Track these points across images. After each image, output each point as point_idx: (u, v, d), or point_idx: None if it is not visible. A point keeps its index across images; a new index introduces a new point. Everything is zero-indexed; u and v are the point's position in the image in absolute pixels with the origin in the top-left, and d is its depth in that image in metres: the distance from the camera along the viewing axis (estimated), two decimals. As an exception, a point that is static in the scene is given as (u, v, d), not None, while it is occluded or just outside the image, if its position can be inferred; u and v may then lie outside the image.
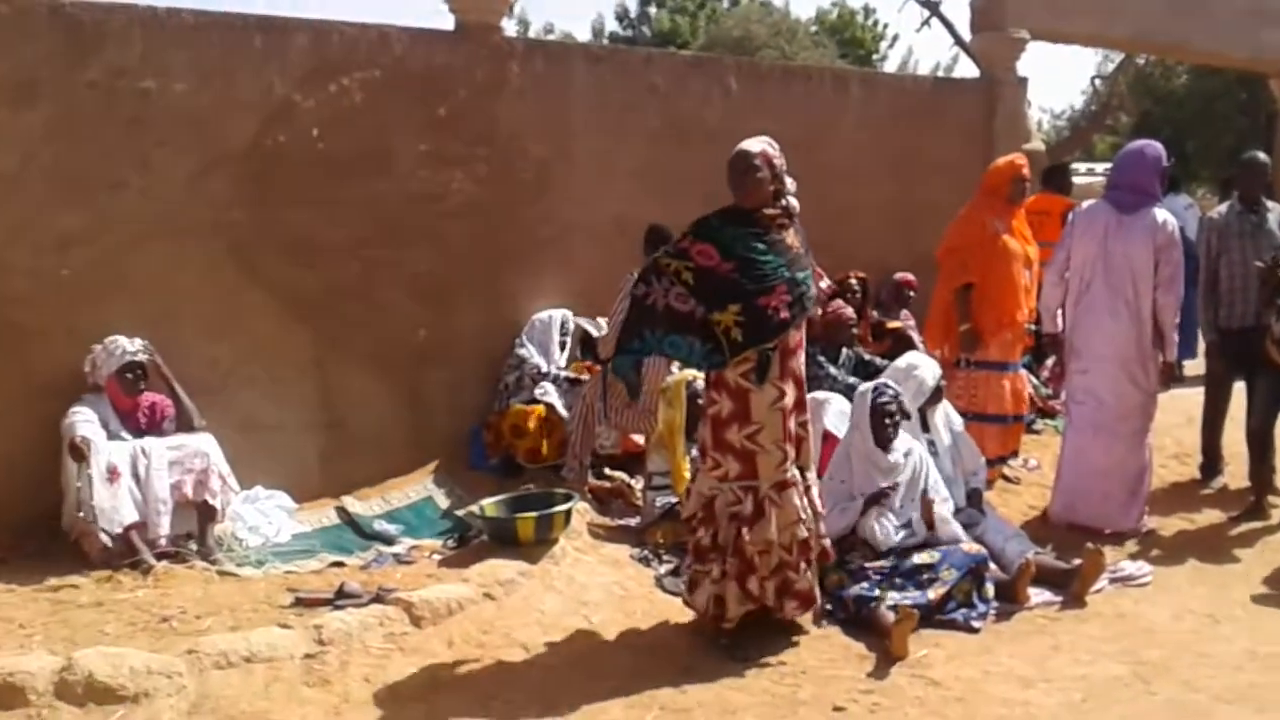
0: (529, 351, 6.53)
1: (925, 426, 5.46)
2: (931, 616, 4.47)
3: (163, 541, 5.11)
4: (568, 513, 5.06)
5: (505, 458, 6.23)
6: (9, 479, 5.23)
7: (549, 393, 6.30)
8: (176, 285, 5.68)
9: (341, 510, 5.96)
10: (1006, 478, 6.55)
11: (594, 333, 6.22)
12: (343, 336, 6.23)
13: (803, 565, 4.23)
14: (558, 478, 6.01)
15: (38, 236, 5.35)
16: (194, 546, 5.20)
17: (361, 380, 6.29)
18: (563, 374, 6.41)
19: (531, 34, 22.29)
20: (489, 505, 5.20)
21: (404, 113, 6.38)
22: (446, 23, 6.76)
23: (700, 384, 4.42)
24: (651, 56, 8.09)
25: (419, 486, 6.20)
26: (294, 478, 5.98)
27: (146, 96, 5.56)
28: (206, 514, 5.28)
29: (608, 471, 6.21)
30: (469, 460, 6.42)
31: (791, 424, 4.13)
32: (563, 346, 6.61)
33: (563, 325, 6.64)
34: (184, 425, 5.44)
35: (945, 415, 5.58)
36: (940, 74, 14.15)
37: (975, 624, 4.52)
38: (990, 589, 4.71)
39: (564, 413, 6.17)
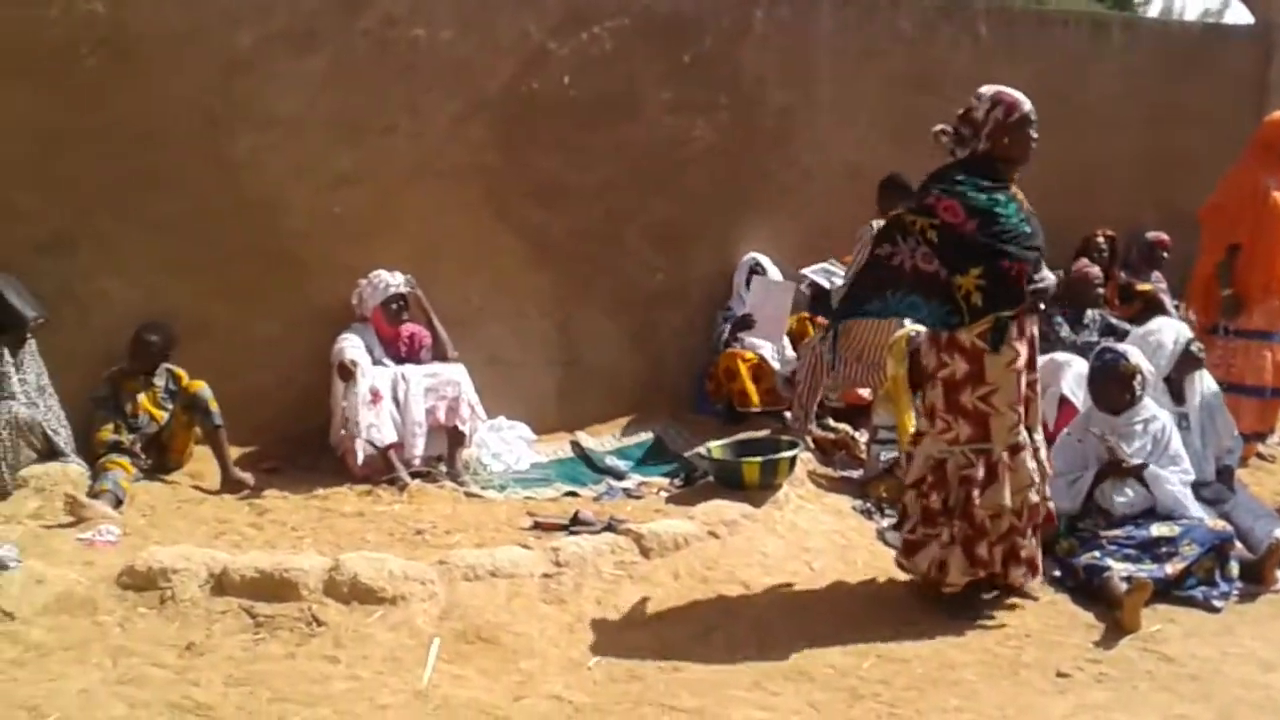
0: (735, 299, 6.63)
1: (1180, 398, 5.22)
2: (1168, 591, 4.31)
3: (416, 461, 5.52)
4: (792, 460, 5.15)
5: (727, 403, 6.35)
6: (286, 397, 5.76)
7: (755, 345, 6.39)
8: (437, 224, 6.06)
9: (575, 444, 6.26)
10: (1262, 455, 6.17)
11: (824, 284, 6.22)
12: (583, 278, 6.48)
13: (1029, 531, 4.15)
14: (781, 425, 6.10)
15: (316, 177, 5.81)
16: (443, 468, 5.60)
17: (598, 321, 6.55)
18: (735, 315, 6.49)
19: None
20: (715, 447, 5.35)
21: (650, 60, 6.53)
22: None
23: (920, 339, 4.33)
24: (899, 1, 7.90)
25: (647, 426, 6.41)
26: (533, 411, 6.32)
27: (415, 44, 5.91)
28: (456, 439, 5.67)
29: (831, 423, 6.25)
30: (694, 404, 6.58)
31: (1023, 384, 4.04)
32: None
33: (752, 266, 6.66)
34: (439, 355, 5.84)
35: (1201, 385, 5.30)
36: (1209, 20, 13.08)
37: (1216, 603, 4.33)
38: (1235, 568, 4.48)
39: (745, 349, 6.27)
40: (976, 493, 3.97)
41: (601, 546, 4.30)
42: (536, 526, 4.77)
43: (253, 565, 3.97)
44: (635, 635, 3.88)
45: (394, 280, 5.76)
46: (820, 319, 6.47)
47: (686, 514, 4.75)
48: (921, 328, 4.27)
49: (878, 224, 5.73)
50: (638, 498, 5.31)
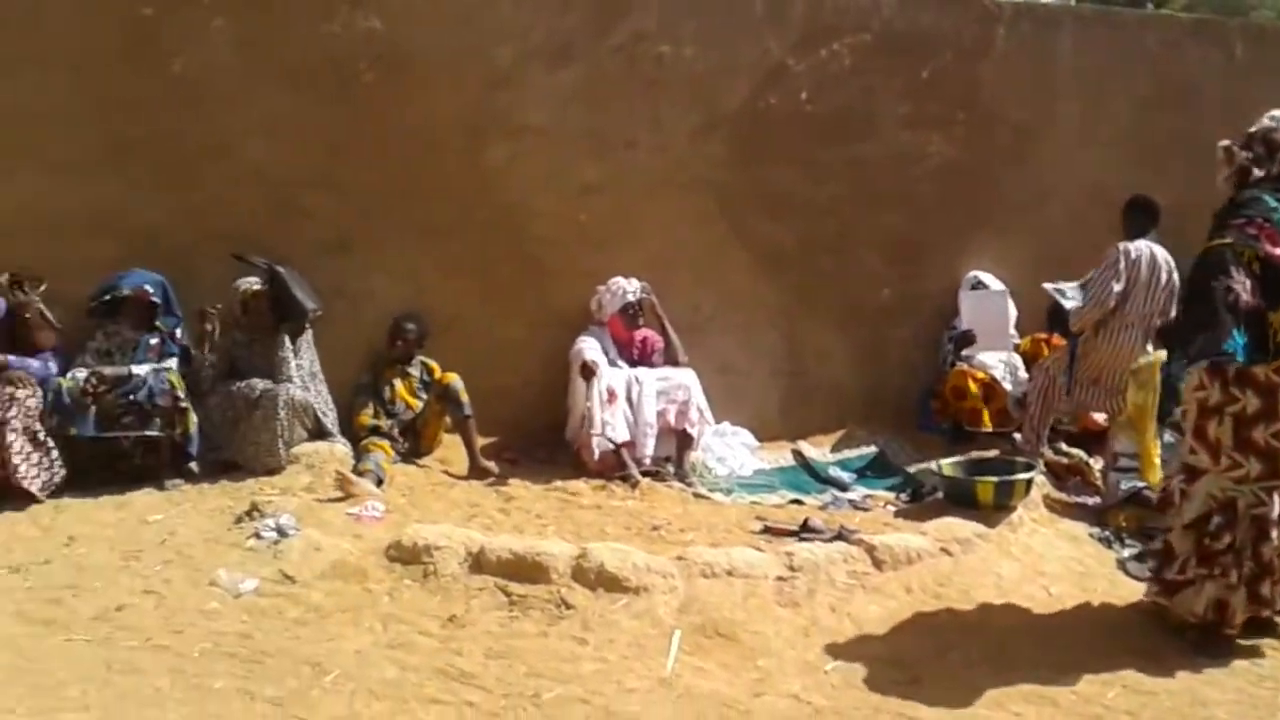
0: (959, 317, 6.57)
1: None
2: None
3: (646, 460, 5.73)
4: (1028, 482, 5.08)
5: (953, 422, 6.30)
6: (526, 394, 6.08)
7: (986, 364, 6.30)
8: (672, 235, 6.27)
9: (797, 453, 6.35)
10: None
11: (1063, 303, 6.08)
12: (811, 291, 6.57)
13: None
14: (1009, 446, 6.02)
15: (562, 185, 6.12)
16: (670, 468, 5.79)
17: (824, 334, 6.62)
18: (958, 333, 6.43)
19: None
20: (947, 465, 5.34)
21: (888, 76, 6.57)
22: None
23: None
24: (1147, 19, 7.67)
25: (870, 439, 6.44)
26: (756, 418, 6.44)
27: (660, 61, 6.15)
28: (684, 441, 5.85)
29: (1064, 447, 6.11)
30: (918, 420, 6.56)
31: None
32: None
33: (973, 284, 6.56)
34: (670, 360, 6.04)
35: None
36: None
37: None
38: None
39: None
40: (1275, 533, 3.81)
41: (834, 555, 4.38)
42: (767, 531, 4.88)
43: (507, 547, 4.24)
44: (870, 645, 3.94)
45: (630, 287, 6.00)
46: (1056, 339, 6.35)
47: (917, 529, 4.77)
48: (1160, 354, 4.12)
49: (1128, 246, 5.60)
50: (864, 510, 5.36)
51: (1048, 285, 6.18)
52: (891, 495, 5.62)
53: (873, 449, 6.34)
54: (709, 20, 6.23)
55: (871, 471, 6.09)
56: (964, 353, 6.40)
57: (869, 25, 6.48)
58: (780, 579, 4.22)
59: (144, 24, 5.47)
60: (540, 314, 6.13)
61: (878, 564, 4.39)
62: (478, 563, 4.22)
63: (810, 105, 6.44)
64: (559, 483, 5.55)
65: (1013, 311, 6.53)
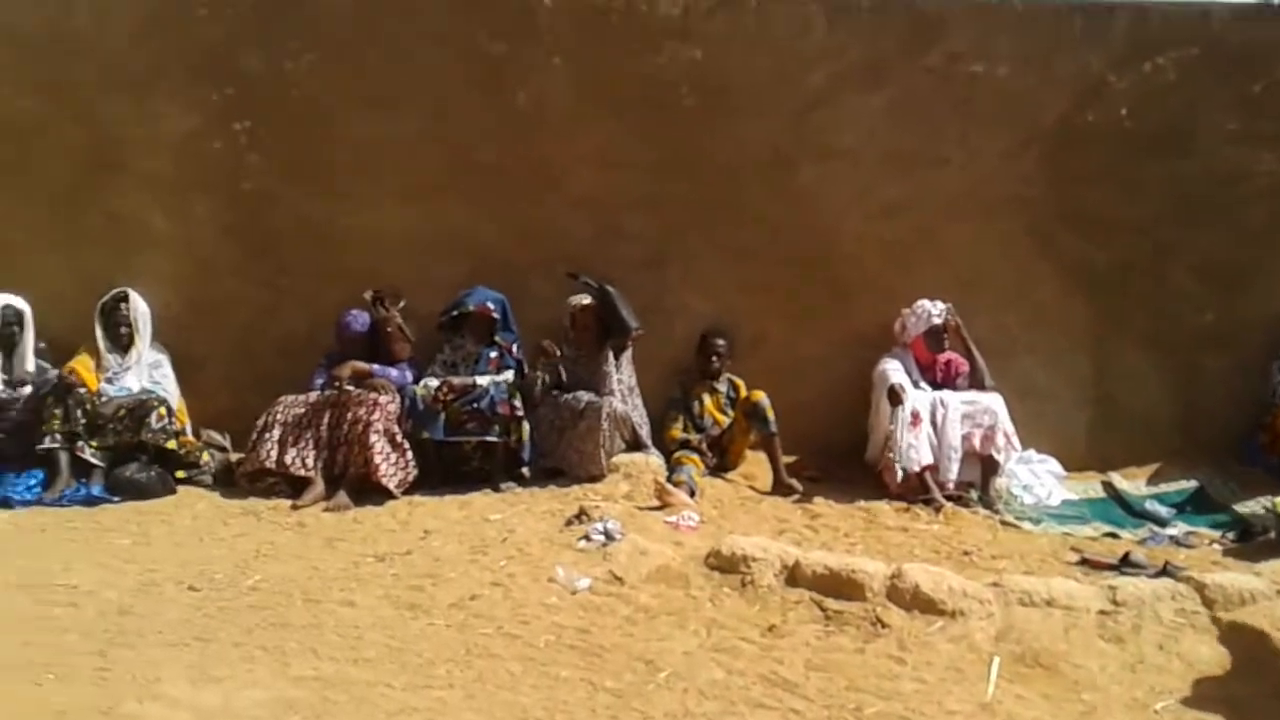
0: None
1: None
2: None
3: (950, 485, 5.74)
4: (1379, 527, 4.75)
5: (1285, 460, 5.93)
6: (827, 412, 6.21)
7: None
8: (978, 255, 6.24)
9: (1108, 485, 6.14)
10: None
11: None
12: (1123, 314, 6.35)
13: None
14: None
15: (868, 205, 6.22)
16: (975, 494, 5.77)
17: (1136, 359, 6.37)
18: None
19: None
20: (1281, 504, 5.06)
21: (1215, 90, 6.25)
22: (1275, -4, 6.43)
23: None
24: None
25: (1188, 473, 6.14)
26: (1062, 446, 6.29)
27: (974, 80, 6.14)
28: (990, 467, 5.82)
29: None
30: (1241, 455, 6.20)
31: None
32: None
33: None
34: (976, 384, 6.01)
35: None
36: None
37: None
38: None
39: None
40: None
41: (1160, 591, 4.25)
42: (1084, 562, 4.80)
43: (822, 563, 4.39)
44: (1203, 686, 3.81)
45: (935, 310, 6.01)
46: None
47: (1251, 569, 4.55)
48: None
49: None
50: (1188, 547, 5.15)
51: None
52: (1216, 534, 5.36)
53: (1192, 484, 6.04)
54: (1025, 38, 6.16)
55: (1191, 507, 5.82)
56: None
57: (1198, 38, 6.19)
58: (1103, 612, 4.15)
59: (493, 61, 6.05)
60: (842, 333, 6.25)
61: (1208, 603, 4.22)
62: (793, 576, 4.39)
63: (1129, 121, 6.23)
64: (862, 503, 5.65)
65: None
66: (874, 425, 6.00)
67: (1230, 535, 5.28)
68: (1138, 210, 6.30)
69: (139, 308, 5.94)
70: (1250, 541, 5.11)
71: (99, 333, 5.87)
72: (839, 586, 4.29)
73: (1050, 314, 6.34)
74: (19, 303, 5.85)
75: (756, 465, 6.07)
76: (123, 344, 5.91)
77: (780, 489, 5.78)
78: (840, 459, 6.16)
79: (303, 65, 6.06)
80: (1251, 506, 5.48)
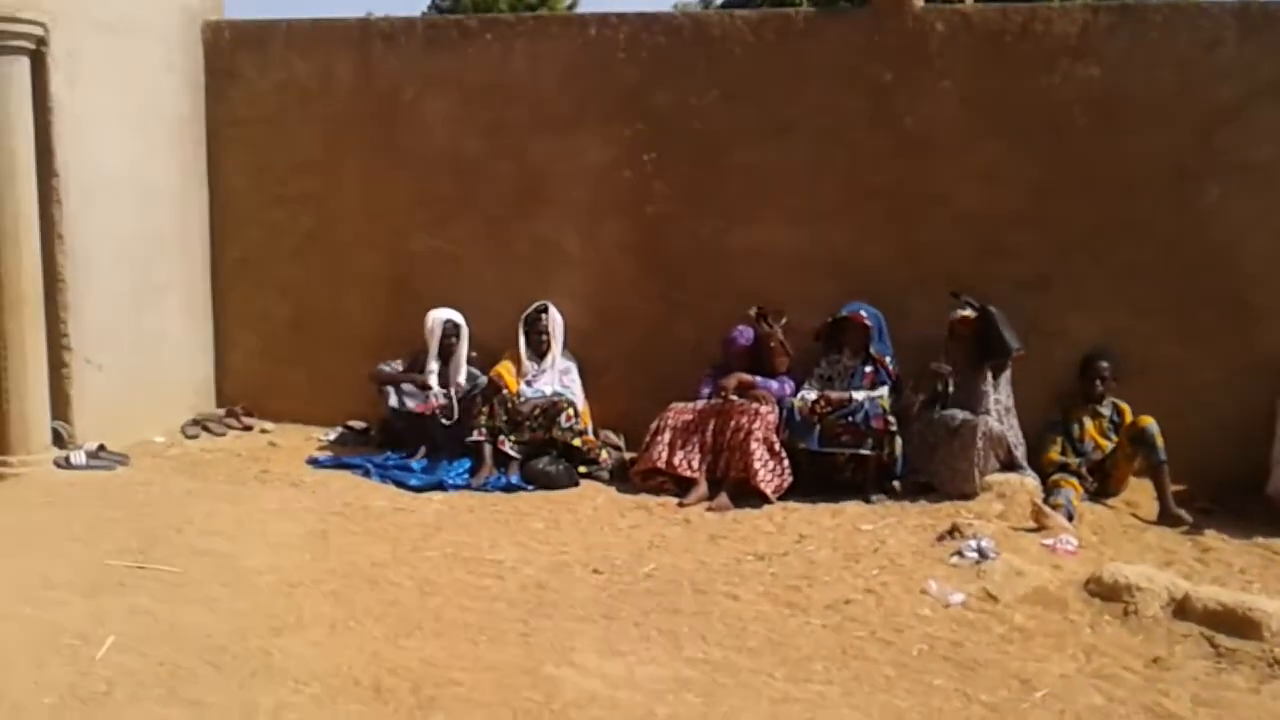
0: None
1: None
2: None
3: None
4: None
5: None
6: (1224, 441, 5.87)
7: None
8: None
9: None
10: None
11: None
12: None
13: None
14: None
15: (1279, 223, 5.83)
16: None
17: None
18: None
19: None
20: None
21: None
22: None
23: None
24: None
25: None
26: None
27: None
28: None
29: None
30: None
31: None
32: None
33: None
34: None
35: None
36: None
37: None
38: None
39: None
40: None
41: None
42: None
43: (1214, 598, 4.24)
44: None
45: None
46: None
47: None
48: None
49: None
50: None
51: None
52: None
53: None
54: None
55: None
56: None
57: None
58: None
59: (884, 88, 6.29)
60: (1242, 357, 5.91)
61: None
62: (1181, 609, 4.27)
63: None
64: (1260, 539, 5.32)
65: None
66: (1277, 457, 5.62)
67: None
68: None
69: (555, 319, 6.69)
70: None
71: (521, 341, 6.67)
72: (1233, 623, 4.14)
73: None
74: (458, 317, 6.78)
75: (1141, 493, 5.85)
76: (540, 351, 6.67)
77: (1167, 519, 5.56)
78: (1235, 492, 5.80)
79: (706, 100, 6.57)
80: None
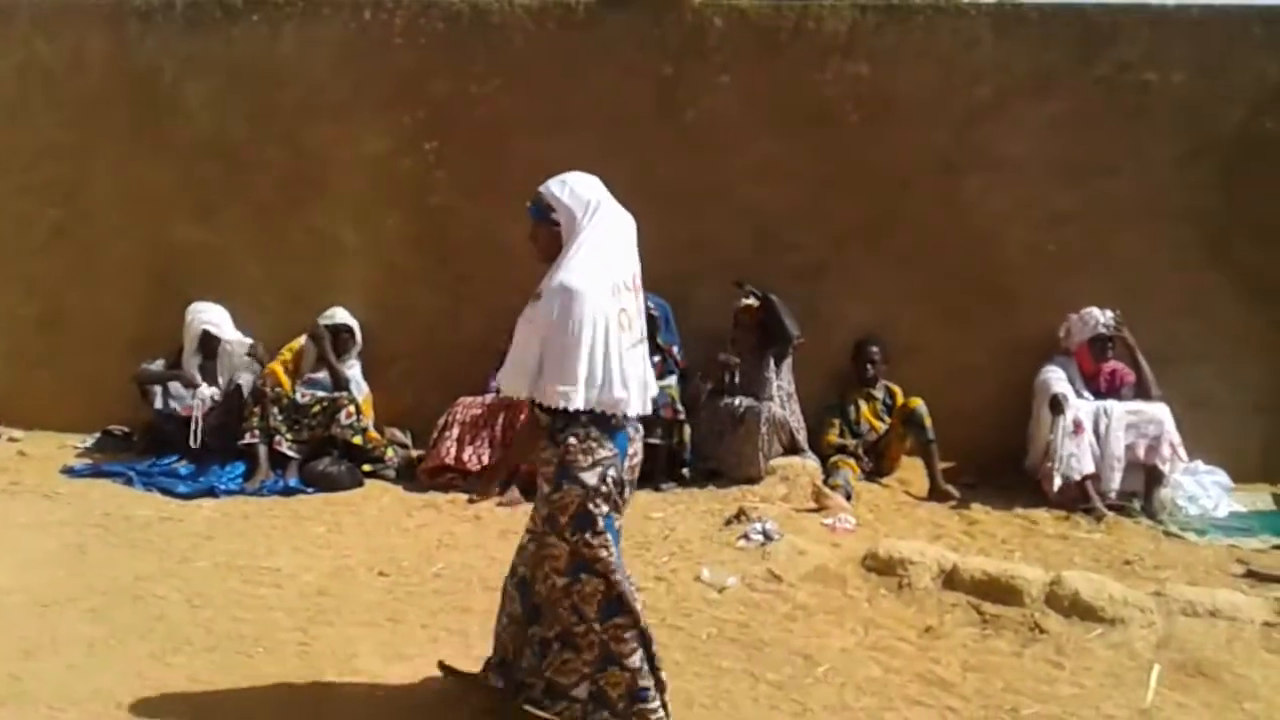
0: None
1: None
2: None
3: (1111, 494, 5.69)
4: None
5: None
6: (988, 420, 6.23)
7: None
8: (1147, 264, 6.15)
9: (1278, 497, 5.98)
10: None
11: None
12: (1299, 323, 6.16)
13: None
14: None
15: (1034, 214, 6.22)
16: (1137, 504, 5.70)
17: (1315, 368, 6.18)
18: None
19: None
20: None
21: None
22: None
23: None
24: None
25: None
26: (1231, 457, 6.12)
27: (1146, 88, 6.07)
28: (1154, 477, 5.75)
29: None
30: None
31: None
32: None
33: None
34: (1142, 393, 5.93)
35: None
36: None
37: None
38: None
39: None
40: None
41: (1334, 606, 4.18)
42: (1250, 574, 4.73)
43: (980, 568, 4.48)
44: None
45: (1103, 318, 5.97)
46: None
47: None
48: None
49: None
50: (1367, 562, 5.00)
51: None
52: (1404, 549, 5.18)
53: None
54: (1200, 46, 6.05)
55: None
56: None
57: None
58: (1268, 624, 4.11)
59: (665, 82, 6.34)
60: (1003, 341, 6.26)
61: (1383, 621, 4.13)
62: (950, 580, 4.49)
63: (1311, 129, 6.06)
64: (1020, 510, 5.68)
65: None
66: (1034, 433, 6.00)
67: None
68: (1321, 219, 6.11)
69: (346, 319, 6.46)
70: None
71: (302, 338, 6.39)
72: (997, 591, 4.37)
73: (1222, 323, 6.19)
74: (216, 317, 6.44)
75: (912, 471, 6.14)
76: (328, 350, 6.38)
77: (936, 495, 5.85)
78: (999, 467, 6.16)
79: (488, 89, 6.46)
80: None
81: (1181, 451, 5.77)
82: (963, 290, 6.27)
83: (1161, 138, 6.09)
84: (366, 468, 6.12)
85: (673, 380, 6.03)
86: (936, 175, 6.22)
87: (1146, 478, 5.77)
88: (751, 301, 6.01)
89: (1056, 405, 5.71)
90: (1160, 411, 5.79)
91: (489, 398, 6.07)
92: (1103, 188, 6.14)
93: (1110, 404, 5.83)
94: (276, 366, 6.26)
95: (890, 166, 6.23)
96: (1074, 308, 6.08)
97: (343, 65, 6.54)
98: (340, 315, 6.46)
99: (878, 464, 6.17)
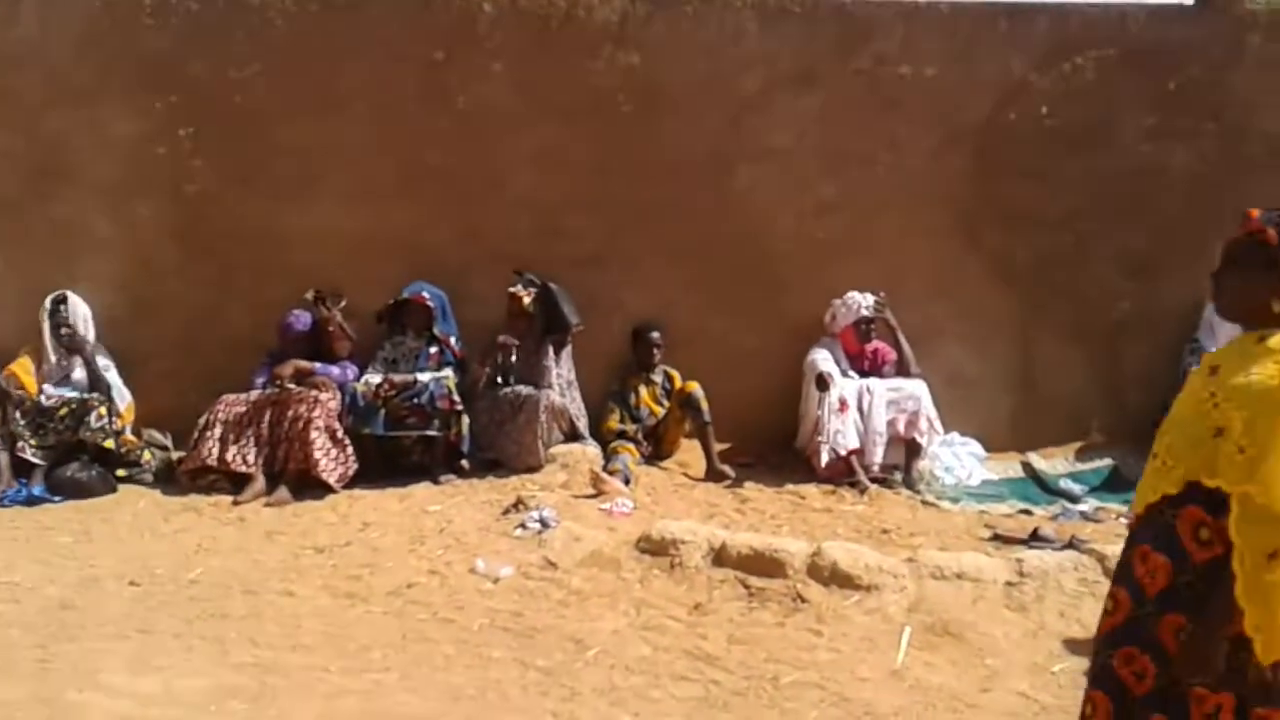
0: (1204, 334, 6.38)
1: None
2: None
3: (875, 468, 5.96)
4: (1273, 501, 5.00)
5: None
6: (763, 401, 6.40)
7: None
8: (907, 248, 6.45)
9: (1027, 465, 6.39)
10: None
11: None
12: (1046, 304, 6.58)
13: None
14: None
15: (801, 204, 6.43)
16: (899, 476, 5.99)
17: (1058, 347, 6.60)
18: (1203, 348, 6.18)
19: None
20: (1185, 481, 5.30)
21: (1133, 89, 6.48)
22: (1186, -3, 6.71)
23: None
24: None
25: (1104, 454, 6.39)
26: (986, 430, 6.50)
27: (901, 81, 6.35)
28: (913, 450, 6.04)
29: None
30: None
31: None
32: None
33: None
34: (902, 371, 6.23)
35: None
36: None
37: None
38: None
39: None
40: None
41: (1064, 563, 4.48)
42: (996, 538, 5.04)
43: (746, 544, 4.60)
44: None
45: (865, 303, 6.22)
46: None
47: (1152, 542, 4.79)
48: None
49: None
50: (1096, 521, 5.41)
51: None
52: (1125, 509, 5.61)
53: (1108, 463, 6.30)
54: (951, 40, 6.36)
55: (1106, 486, 6.07)
56: None
57: (1116, 39, 6.42)
58: (1009, 584, 4.37)
59: (436, 67, 6.21)
60: (776, 326, 6.44)
61: (1108, 573, 4.45)
62: (719, 557, 4.59)
63: (1050, 120, 6.45)
64: (790, 486, 5.87)
65: None
66: (804, 412, 6.21)
67: (1139, 511, 5.52)
68: (1059, 204, 6.53)
69: (78, 310, 6.03)
70: (1156, 517, 5.34)
71: (46, 335, 5.96)
72: (763, 565, 4.49)
73: (976, 304, 6.56)
74: None
75: (691, 453, 6.26)
76: (65, 345, 5.99)
77: (713, 475, 5.98)
78: (773, 446, 6.36)
79: (248, 72, 6.19)
80: (1160, 485, 5.72)
81: (938, 425, 6.09)
82: (737, 277, 6.42)
83: (917, 128, 6.39)
84: (121, 472, 5.78)
85: (450, 371, 5.94)
86: (709, 165, 6.34)
87: (906, 451, 6.06)
88: (519, 289, 5.98)
89: (822, 383, 5.92)
90: (919, 388, 6.09)
91: (254, 394, 5.83)
92: (864, 176, 6.39)
93: (873, 382, 6.10)
94: (15, 367, 5.82)
95: (664, 156, 6.30)
96: (841, 292, 6.31)
97: (88, 46, 6.14)
98: (65, 310, 6.02)
99: (657, 448, 6.25)
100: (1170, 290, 6.57)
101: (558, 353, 6.02)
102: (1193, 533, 2.33)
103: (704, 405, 6.04)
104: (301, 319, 6.03)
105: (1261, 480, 2.19)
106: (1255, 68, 6.52)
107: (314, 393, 5.74)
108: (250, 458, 5.66)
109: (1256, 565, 2.19)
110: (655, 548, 4.69)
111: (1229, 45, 6.50)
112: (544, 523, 4.99)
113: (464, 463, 5.89)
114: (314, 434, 5.62)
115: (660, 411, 6.27)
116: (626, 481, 5.68)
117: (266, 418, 5.72)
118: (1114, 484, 6.09)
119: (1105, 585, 4.40)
